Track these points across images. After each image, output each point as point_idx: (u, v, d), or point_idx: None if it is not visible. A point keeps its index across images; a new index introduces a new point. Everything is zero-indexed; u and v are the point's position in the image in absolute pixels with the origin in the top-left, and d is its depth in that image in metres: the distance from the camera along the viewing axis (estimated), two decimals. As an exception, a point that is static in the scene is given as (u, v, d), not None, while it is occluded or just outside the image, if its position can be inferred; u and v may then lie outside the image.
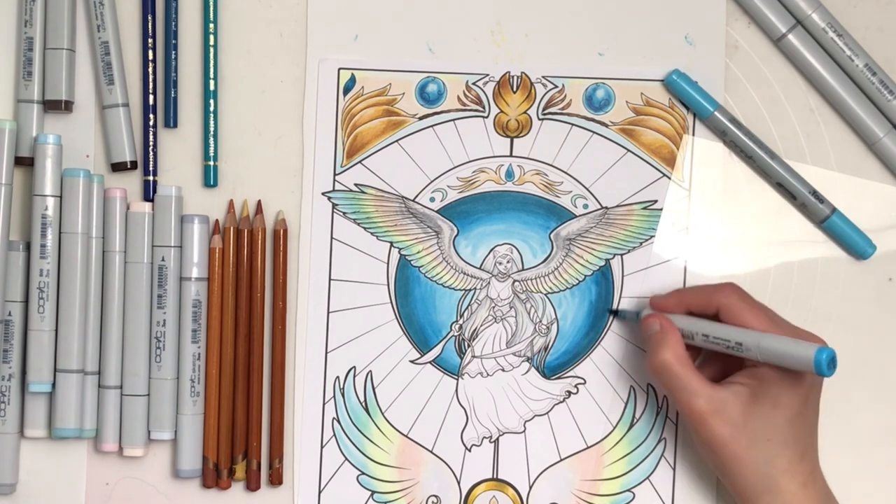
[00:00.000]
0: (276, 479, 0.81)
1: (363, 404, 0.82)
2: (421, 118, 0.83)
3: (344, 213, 0.82)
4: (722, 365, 0.79)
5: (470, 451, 0.83)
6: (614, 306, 0.82)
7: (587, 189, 0.83)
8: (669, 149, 0.83)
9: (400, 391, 0.82)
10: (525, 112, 0.83)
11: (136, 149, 0.82)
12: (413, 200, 0.83)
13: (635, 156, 0.83)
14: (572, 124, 0.83)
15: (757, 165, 0.82)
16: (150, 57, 0.81)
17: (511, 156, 0.83)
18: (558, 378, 0.83)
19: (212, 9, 0.82)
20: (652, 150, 0.83)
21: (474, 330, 0.83)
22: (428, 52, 0.83)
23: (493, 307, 0.83)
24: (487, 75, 0.83)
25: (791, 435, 0.74)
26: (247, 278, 0.81)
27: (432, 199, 0.83)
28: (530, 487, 0.83)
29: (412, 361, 0.83)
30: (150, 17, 0.81)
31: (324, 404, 0.82)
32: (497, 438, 0.83)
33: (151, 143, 0.81)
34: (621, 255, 0.83)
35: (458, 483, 0.83)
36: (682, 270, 0.83)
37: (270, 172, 0.82)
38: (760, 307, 0.76)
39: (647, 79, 0.83)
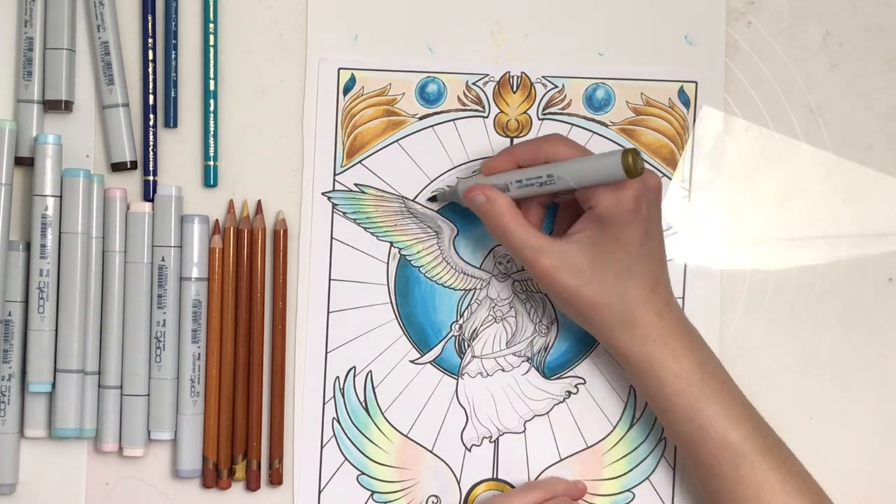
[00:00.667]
0: (276, 479, 0.81)
1: (363, 404, 0.82)
2: (421, 118, 0.83)
3: (344, 213, 0.82)
4: (568, 221, 0.79)
5: (470, 451, 0.83)
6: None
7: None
8: (669, 149, 0.83)
9: (400, 391, 0.83)
10: (525, 112, 0.83)
11: (136, 149, 0.82)
12: (413, 200, 0.83)
13: (635, 156, 0.83)
14: (572, 124, 0.83)
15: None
16: (150, 57, 0.81)
17: (511, 156, 0.83)
18: (558, 378, 0.83)
19: (212, 9, 0.82)
20: (652, 150, 0.83)
21: (474, 330, 0.83)
22: (428, 52, 0.83)
23: (493, 307, 0.83)
24: (487, 75, 0.83)
25: (638, 269, 0.75)
26: (247, 278, 0.81)
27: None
28: (530, 487, 0.83)
29: (412, 361, 0.83)
30: (150, 17, 0.81)
31: (324, 404, 0.82)
32: (497, 438, 0.83)
33: (151, 143, 0.81)
34: (621, 255, 0.83)
35: (458, 483, 0.83)
36: (682, 270, 0.83)
37: (270, 172, 0.82)
38: (585, 150, 0.77)
39: (647, 79, 0.83)
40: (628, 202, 0.74)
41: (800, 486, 0.75)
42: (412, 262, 0.83)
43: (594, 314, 0.76)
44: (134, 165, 0.81)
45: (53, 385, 0.79)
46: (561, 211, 0.80)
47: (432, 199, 0.82)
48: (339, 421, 0.82)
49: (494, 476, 0.83)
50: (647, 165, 0.75)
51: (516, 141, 0.83)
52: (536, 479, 0.83)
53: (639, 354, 0.76)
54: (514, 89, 0.83)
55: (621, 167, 0.71)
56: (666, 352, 0.76)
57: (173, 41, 0.82)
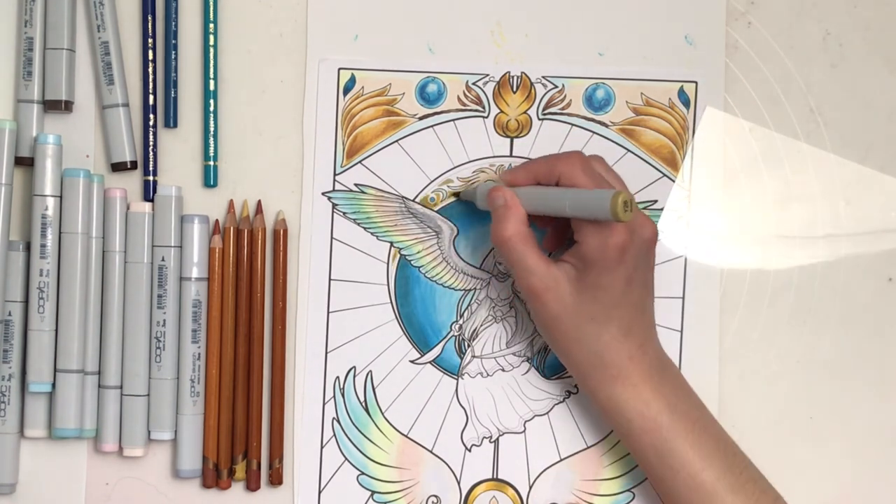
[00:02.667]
0: (276, 479, 0.81)
1: (363, 404, 0.82)
2: (421, 118, 0.83)
3: (344, 213, 0.82)
4: (562, 239, 0.80)
5: (470, 451, 0.83)
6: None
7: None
8: (669, 149, 0.83)
9: (400, 391, 0.83)
10: (525, 112, 0.83)
11: (136, 149, 0.82)
12: (413, 200, 0.83)
13: (635, 156, 0.83)
14: (572, 124, 0.83)
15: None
16: (150, 57, 0.81)
17: (511, 156, 0.83)
18: (558, 378, 0.83)
19: (212, 9, 0.82)
20: (652, 150, 0.83)
21: (474, 330, 0.83)
22: (428, 52, 0.83)
23: (493, 307, 0.83)
24: (487, 75, 0.83)
25: (616, 314, 0.75)
26: (247, 278, 0.81)
27: (432, 200, 0.83)
28: (530, 487, 0.83)
29: (412, 361, 0.83)
30: (150, 17, 0.81)
31: (324, 404, 0.82)
32: (497, 438, 0.83)
33: (151, 143, 0.81)
34: (621, 255, 0.83)
35: (458, 483, 0.83)
36: (681, 270, 0.83)
37: (270, 172, 0.82)
38: (599, 175, 0.76)
39: (647, 79, 0.83)
40: (612, 250, 0.73)
41: None
42: (412, 262, 0.83)
43: (567, 347, 0.76)
44: (134, 165, 0.81)
45: (53, 385, 0.79)
46: (557, 226, 0.80)
47: (455, 194, 0.82)
48: (339, 421, 0.82)
49: (494, 476, 0.83)
50: (645, 213, 0.75)
51: (517, 141, 0.83)
52: (537, 478, 0.83)
53: (605, 394, 0.76)
54: (514, 89, 0.83)
55: (608, 207, 0.70)
56: (633, 393, 0.76)
57: (173, 41, 0.82)
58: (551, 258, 0.76)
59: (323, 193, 0.82)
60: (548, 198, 0.75)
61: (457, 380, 0.83)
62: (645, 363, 0.76)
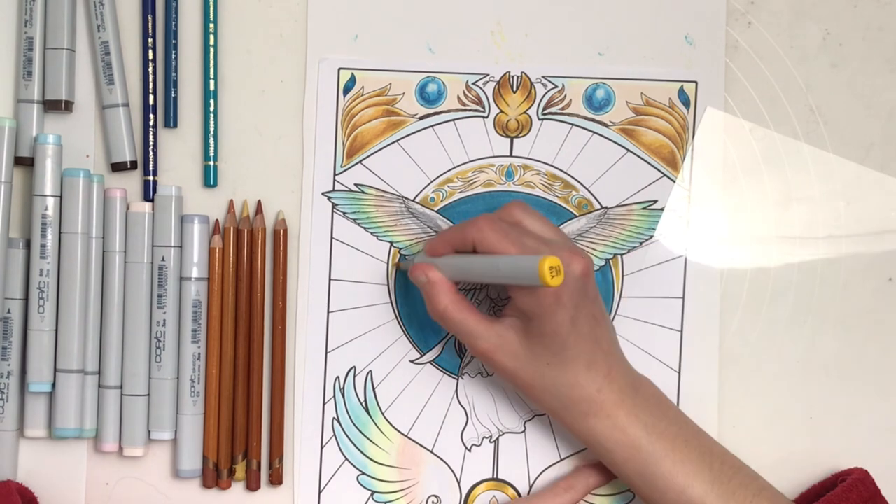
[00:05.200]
0: (276, 479, 0.81)
1: (363, 404, 0.82)
2: (421, 118, 0.83)
3: (344, 213, 0.82)
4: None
5: (470, 450, 0.83)
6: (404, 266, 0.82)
7: (587, 189, 0.83)
8: (669, 149, 0.83)
9: (400, 391, 0.83)
10: (525, 112, 0.83)
11: (136, 149, 0.82)
12: (413, 200, 0.83)
13: (635, 156, 0.83)
14: (572, 124, 0.83)
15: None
16: (150, 57, 0.81)
17: (511, 156, 0.83)
18: (558, 378, 0.83)
19: (212, 9, 0.82)
20: (652, 150, 0.83)
21: (474, 330, 0.83)
22: (428, 52, 0.83)
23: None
24: (487, 75, 0.83)
25: (570, 353, 0.74)
26: (247, 278, 0.81)
27: (432, 199, 0.83)
28: (530, 487, 0.83)
29: (412, 361, 0.83)
30: (150, 17, 0.81)
31: (324, 404, 0.82)
32: (497, 438, 0.83)
33: (151, 143, 0.81)
34: (621, 255, 0.83)
35: (458, 483, 0.83)
36: (682, 270, 0.83)
37: (270, 172, 0.82)
38: (514, 234, 0.75)
39: (647, 79, 0.83)
40: (546, 298, 0.72)
41: None
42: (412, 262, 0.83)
43: (535, 395, 0.77)
44: (134, 165, 0.81)
45: (53, 385, 0.79)
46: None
47: (396, 265, 0.82)
48: (339, 421, 0.82)
49: (494, 476, 0.83)
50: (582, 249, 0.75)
51: (517, 141, 0.83)
52: (537, 478, 0.83)
53: (582, 430, 0.76)
54: (514, 89, 0.83)
55: (537, 276, 0.68)
56: (609, 424, 0.75)
57: (173, 41, 0.82)
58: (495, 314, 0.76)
59: (323, 193, 0.83)
60: (474, 266, 0.75)
61: (457, 380, 0.83)
62: (615, 391, 0.75)
